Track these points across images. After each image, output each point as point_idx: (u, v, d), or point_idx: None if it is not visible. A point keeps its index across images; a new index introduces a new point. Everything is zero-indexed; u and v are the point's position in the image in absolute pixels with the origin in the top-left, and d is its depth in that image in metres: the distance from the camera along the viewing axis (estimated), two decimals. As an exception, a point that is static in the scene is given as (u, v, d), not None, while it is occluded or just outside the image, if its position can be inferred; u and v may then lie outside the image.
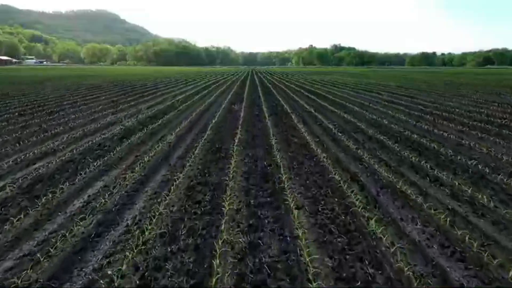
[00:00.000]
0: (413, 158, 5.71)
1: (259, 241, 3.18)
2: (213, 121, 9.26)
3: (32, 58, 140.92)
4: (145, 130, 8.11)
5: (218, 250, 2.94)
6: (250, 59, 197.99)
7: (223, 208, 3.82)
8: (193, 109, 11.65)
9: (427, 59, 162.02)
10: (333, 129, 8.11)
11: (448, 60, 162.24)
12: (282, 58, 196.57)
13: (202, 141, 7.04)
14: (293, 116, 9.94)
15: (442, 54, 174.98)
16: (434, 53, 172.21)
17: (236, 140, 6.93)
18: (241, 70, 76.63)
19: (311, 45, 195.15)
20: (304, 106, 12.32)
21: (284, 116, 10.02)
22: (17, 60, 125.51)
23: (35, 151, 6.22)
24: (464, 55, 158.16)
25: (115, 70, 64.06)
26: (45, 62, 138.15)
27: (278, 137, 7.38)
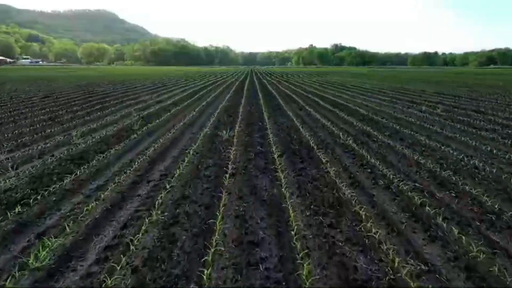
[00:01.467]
0: None
1: None
2: (176, 173, 4.88)
3: (27, 58, 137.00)
4: (23, 208, 3.73)
5: None
6: (250, 59, 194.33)
7: None
8: (156, 137, 7.28)
9: (429, 59, 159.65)
10: (426, 206, 3.72)
11: (449, 60, 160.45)
12: (282, 58, 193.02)
13: (124, 260, 2.65)
14: (323, 159, 5.54)
15: (443, 54, 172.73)
16: (436, 53, 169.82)
17: (209, 271, 2.55)
18: (240, 70, 72.19)
19: (311, 45, 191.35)
20: (332, 130, 7.91)
21: (308, 159, 5.63)
22: (11, 60, 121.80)
23: None
24: (466, 55, 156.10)
25: (105, 70, 59.41)
26: (40, 62, 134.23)
27: (314, 243, 3.01)
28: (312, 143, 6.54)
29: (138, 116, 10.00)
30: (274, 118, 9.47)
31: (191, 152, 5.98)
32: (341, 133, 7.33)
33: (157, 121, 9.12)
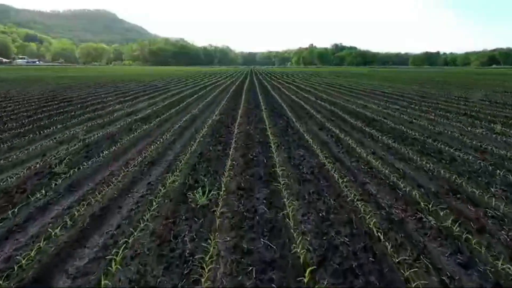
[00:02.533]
0: None
1: None
2: None
3: (23, 58, 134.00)
4: None
5: None
6: (249, 58, 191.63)
7: None
8: (80, 196, 4.01)
9: (430, 58, 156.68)
10: None
11: (450, 60, 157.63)
12: (282, 58, 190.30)
13: None
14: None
15: (444, 53, 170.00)
16: (437, 53, 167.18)
17: None
18: (240, 70, 68.98)
19: (311, 45, 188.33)
20: (391, 179, 4.63)
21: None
22: (7, 60, 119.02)
23: None
24: (467, 55, 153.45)
25: (97, 70, 55.90)
26: (37, 62, 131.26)
27: None
28: (370, 219, 3.24)
29: (81, 141, 6.72)
30: (286, 148, 6.17)
31: (118, 259, 2.70)
32: (415, 191, 4.02)
33: (104, 153, 5.83)
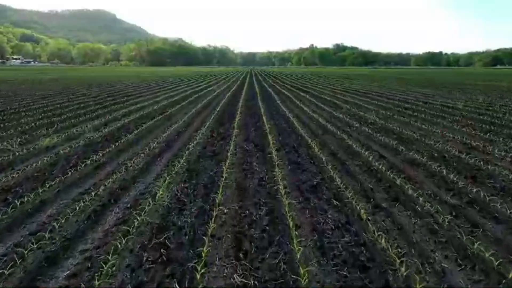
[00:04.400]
0: None
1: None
2: None
3: (18, 58, 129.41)
4: None
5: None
6: (249, 59, 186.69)
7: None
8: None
9: (432, 59, 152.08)
10: None
11: (453, 60, 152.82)
12: (282, 58, 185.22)
13: None
14: None
15: (446, 54, 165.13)
16: (440, 53, 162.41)
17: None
18: (239, 70, 64.08)
19: (312, 45, 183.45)
20: None
21: None
22: (0, 60, 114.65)
23: None
24: (471, 55, 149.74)
25: (79, 72, 50.64)
26: (32, 63, 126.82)
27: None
28: None
29: None
30: None
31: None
32: None
33: None
